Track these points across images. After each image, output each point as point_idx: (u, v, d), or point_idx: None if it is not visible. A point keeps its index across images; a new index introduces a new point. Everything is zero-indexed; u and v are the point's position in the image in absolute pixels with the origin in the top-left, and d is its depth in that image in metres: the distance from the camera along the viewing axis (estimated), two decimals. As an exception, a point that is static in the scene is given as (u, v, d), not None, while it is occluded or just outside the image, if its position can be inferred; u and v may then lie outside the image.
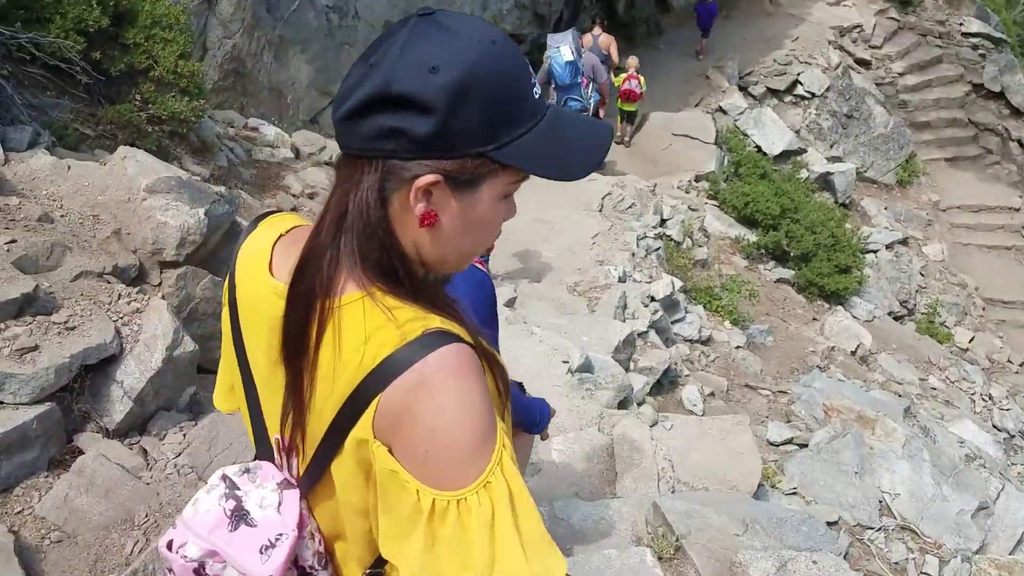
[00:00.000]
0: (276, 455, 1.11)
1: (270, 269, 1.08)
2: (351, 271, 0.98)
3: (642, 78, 10.54)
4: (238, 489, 1.09)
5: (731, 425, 3.49)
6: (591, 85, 9.03)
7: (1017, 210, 13.35)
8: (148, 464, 3.00)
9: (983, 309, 12.39)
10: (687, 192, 10.27)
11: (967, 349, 11.35)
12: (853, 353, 8.82)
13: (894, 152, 13.79)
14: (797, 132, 13.02)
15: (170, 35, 5.76)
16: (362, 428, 0.95)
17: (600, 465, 3.19)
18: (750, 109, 12.79)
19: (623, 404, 4.20)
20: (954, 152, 14.26)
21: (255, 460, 1.15)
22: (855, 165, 13.04)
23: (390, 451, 0.94)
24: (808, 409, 6.41)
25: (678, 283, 7.58)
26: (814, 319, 9.20)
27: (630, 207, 8.50)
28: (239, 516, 1.07)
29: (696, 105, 12.86)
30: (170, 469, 3.01)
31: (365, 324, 0.97)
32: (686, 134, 10.85)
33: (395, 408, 0.93)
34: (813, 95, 13.55)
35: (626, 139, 11.37)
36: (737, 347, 7.83)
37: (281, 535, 1.06)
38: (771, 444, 6.25)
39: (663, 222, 8.71)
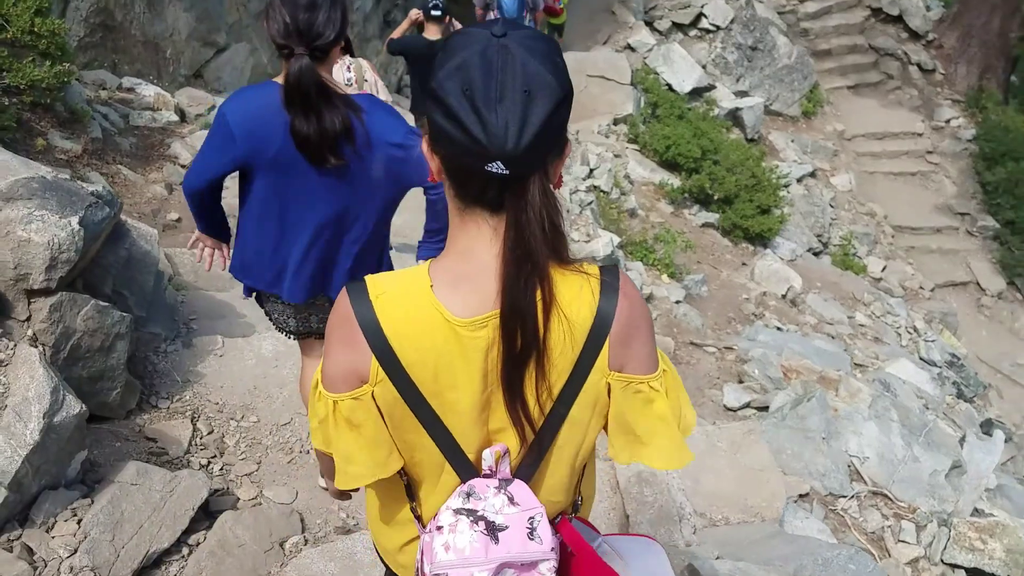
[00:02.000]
0: (491, 467, 1.24)
1: (447, 315, 1.17)
2: (551, 263, 1.15)
3: None
4: (476, 511, 1.22)
5: (741, 436, 2.99)
6: (528, 15, 8.62)
7: (920, 135, 13.39)
8: (35, 569, 2.25)
9: (892, 237, 12.45)
10: (607, 137, 9.71)
11: (880, 279, 11.38)
12: (783, 296, 8.57)
13: (798, 83, 13.56)
14: (703, 67, 12.59)
15: (24, -12, 4.73)
16: (599, 369, 1.21)
17: (604, 503, 2.64)
18: (658, 46, 12.26)
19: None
20: (856, 79, 14.16)
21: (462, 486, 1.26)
22: (762, 99, 12.75)
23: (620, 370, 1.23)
24: (762, 369, 6.05)
25: (616, 239, 7.06)
26: (743, 264, 8.89)
27: (555, 158, 7.87)
28: (493, 529, 1.20)
29: (604, 43, 12.24)
30: (65, 573, 2.27)
31: (575, 289, 1.18)
32: (601, 75, 10.23)
33: (623, 337, 1.21)
34: (718, 28, 13.11)
35: None
36: (677, 302, 7.41)
37: (531, 517, 1.22)
38: (728, 409, 5.87)
39: (591, 172, 8.14)
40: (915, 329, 9.55)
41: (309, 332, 2.59)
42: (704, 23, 13.10)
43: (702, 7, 13.11)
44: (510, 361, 1.16)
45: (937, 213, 12.72)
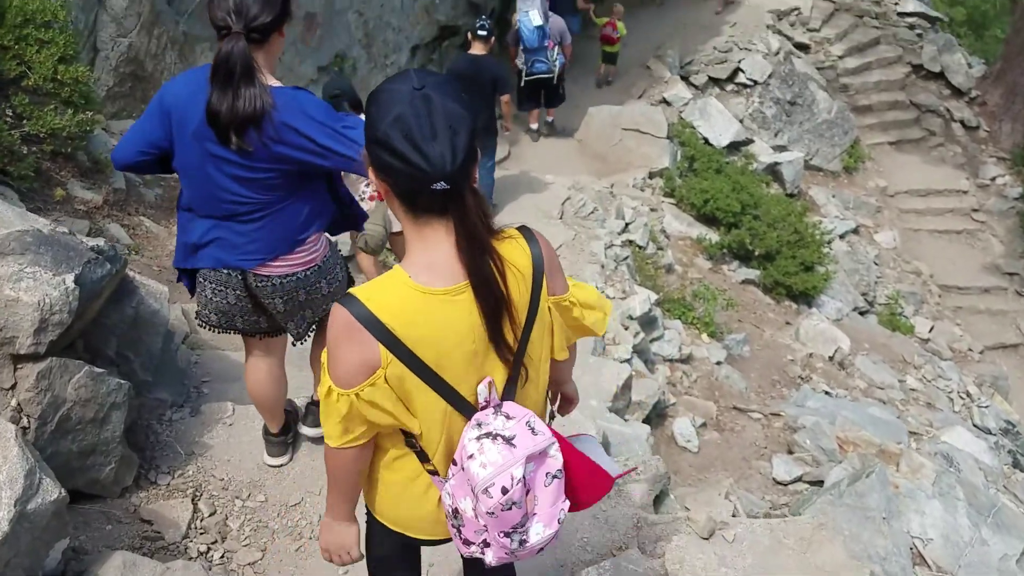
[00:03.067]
0: (486, 398, 1.59)
1: (431, 290, 1.51)
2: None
3: (620, 24, 11.35)
4: (491, 431, 1.55)
5: (811, 531, 2.60)
6: (556, 48, 9.03)
7: (965, 192, 12.94)
8: None
9: (939, 296, 11.93)
10: (643, 191, 9.42)
11: (928, 340, 10.86)
12: (831, 358, 8.12)
13: (839, 138, 13.23)
14: (741, 121, 12.30)
15: (47, 35, 4.60)
16: (543, 298, 1.62)
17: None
18: (694, 99, 12.02)
19: (658, 498, 3.27)
20: (897, 135, 13.78)
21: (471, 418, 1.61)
22: (802, 154, 12.41)
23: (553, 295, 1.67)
24: (814, 439, 5.61)
25: (653, 296, 6.71)
26: (787, 323, 8.47)
27: (592, 212, 7.58)
28: (507, 440, 1.53)
29: (639, 97, 12.02)
30: None
31: (512, 250, 1.57)
32: (636, 128, 9.98)
33: (549, 271, 1.64)
34: (755, 83, 12.85)
35: (609, 79, 12.18)
36: (718, 363, 7.01)
37: (527, 421, 1.58)
38: (778, 483, 5.44)
39: (626, 226, 7.83)
40: (968, 394, 9.01)
41: (257, 331, 2.63)
42: (741, 78, 12.85)
43: (739, 62, 12.88)
44: (489, 316, 1.52)
45: (985, 273, 12.19)
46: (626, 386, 4.73)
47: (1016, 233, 12.47)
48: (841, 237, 11.35)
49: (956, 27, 16.29)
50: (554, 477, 1.58)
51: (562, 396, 2.04)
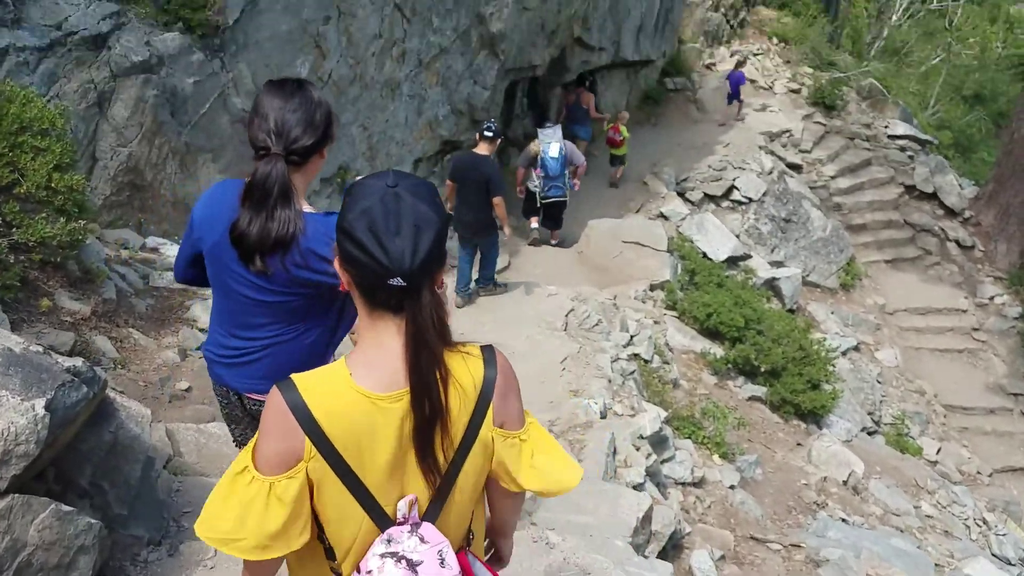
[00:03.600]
0: (404, 514, 1.49)
1: (367, 393, 1.44)
2: (442, 349, 1.46)
3: (623, 127, 12.17)
4: (397, 552, 1.46)
5: None
6: (567, 171, 9.67)
7: (964, 311, 12.81)
8: None
9: (944, 417, 11.61)
10: (644, 303, 9.21)
11: (936, 462, 10.47)
12: (845, 483, 7.72)
13: (834, 255, 13.20)
14: (737, 237, 12.28)
15: (44, 143, 4.44)
16: (486, 426, 1.52)
17: None
18: (691, 215, 12.02)
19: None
20: (893, 254, 13.78)
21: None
22: (799, 270, 12.33)
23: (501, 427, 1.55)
24: (841, 574, 5.17)
25: (662, 414, 6.38)
26: (798, 444, 8.10)
27: (596, 324, 7.33)
28: (411, 565, 1.45)
29: (637, 211, 12.03)
30: None
31: (463, 366, 1.49)
32: (636, 241, 9.88)
33: (501, 399, 1.53)
34: (750, 200, 12.92)
35: (616, 179, 12.68)
36: (731, 486, 6.61)
37: (440, 550, 1.48)
38: (806, 625, 4.97)
39: (631, 339, 7.57)
40: (984, 521, 8.57)
41: None
42: (736, 195, 12.93)
43: (734, 180, 12.99)
44: (421, 426, 1.44)
45: (989, 393, 11.92)
46: (647, 518, 4.34)
47: (1018, 353, 12.27)
48: (843, 354, 11.12)
49: (943, 150, 16.59)
50: None
51: (495, 551, 1.88)
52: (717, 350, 8.71)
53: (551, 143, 9.38)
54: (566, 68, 13.01)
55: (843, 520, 6.99)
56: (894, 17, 20.36)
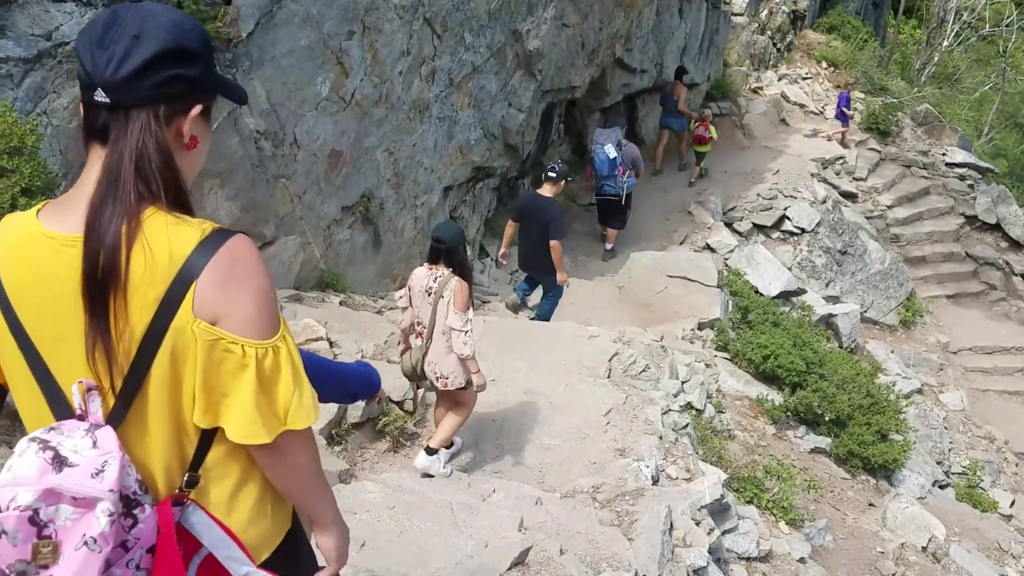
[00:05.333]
0: (80, 405, 1.22)
1: (47, 232, 1.23)
2: (144, 197, 1.21)
3: (712, 127, 12.45)
4: (50, 442, 1.17)
5: None
6: (627, 172, 10.05)
7: (1035, 352, 11.75)
8: None
9: (1016, 465, 10.53)
10: (692, 343, 8.36)
11: (1011, 516, 9.41)
12: (924, 549, 6.76)
13: (894, 290, 12.23)
14: (789, 270, 11.39)
15: (12, 163, 3.81)
16: (183, 314, 1.20)
17: None
18: (740, 246, 11.17)
19: None
20: (955, 288, 12.77)
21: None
22: (857, 306, 11.38)
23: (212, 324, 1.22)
24: None
25: (722, 476, 5.51)
26: (871, 504, 7.15)
27: (644, 370, 6.50)
28: (60, 461, 1.15)
29: (681, 243, 11.21)
30: None
31: (167, 230, 1.21)
32: (683, 276, 9.05)
33: (217, 284, 1.20)
34: (803, 230, 12.05)
35: (694, 178, 12.75)
36: (801, 559, 5.71)
37: (106, 460, 1.18)
38: None
39: (682, 386, 6.73)
40: (1082, 593, 7.52)
41: None
42: (788, 225, 12.07)
43: (785, 209, 12.14)
44: (90, 285, 1.19)
45: (1067, 441, 10.82)
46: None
47: (1097, 398, 11.17)
48: (906, 397, 10.14)
49: (999, 179, 15.57)
50: (90, 546, 1.15)
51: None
52: (775, 396, 7.81)
53: (604, 144, 9.90)
54: (606, 91, 12.32)
55: (928, 598, 6.06)
56: (945, 42, 19.41)
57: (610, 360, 6.49)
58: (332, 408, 4.57)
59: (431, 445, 4.80)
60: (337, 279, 6.93)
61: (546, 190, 7.14)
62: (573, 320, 7.68)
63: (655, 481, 5.14)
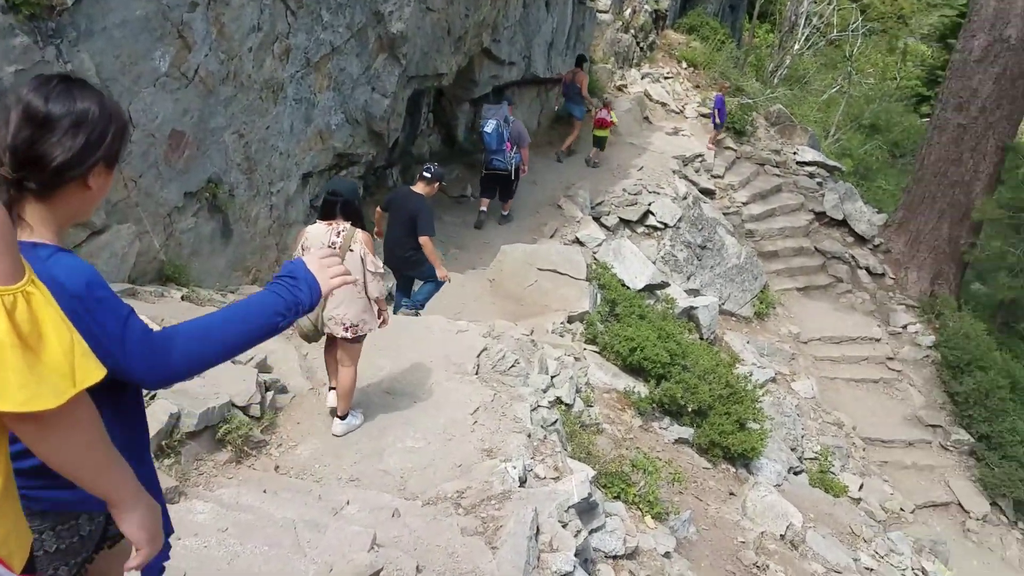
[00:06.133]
0: None
1: None
2: None
3: (613, 113, 13.20)
4: None
5: None
6: (514, 148, 10.58)
7: (878, 340, 12.39)
8: None
9: (863, 450, 11.06)
10: (562, 336, 8.23)
11: (860, 499, 9.86)
12: (782, 537, 6.89)
13: (749, 283, 12.60)
14: (653, 263, 11.51)
15: None
16: None
17: None
18: (608, 240, 11.18)
19: None
20: (805, 281, 13.31)
21: None
22: (716, 298, 11.64)
23: None
24: (811, 674, 4.23)
25: (590, 472, 5.34)
26: (731, 494, 7.22)
27: (513, 366, 6.26)
28: None
29: (551, 236, 11.10)
30: None
31: None
32: (553, 269, 8.91)
33: None
34: (666, 225, 12.21)
35: (595, 160, 13.13)
36: (666, 554, 5.63)
37: None
38: None
39: (552, 381, 6.54)
40: (924, 571, 7.91)
41: None
42: (652, 220, 12.20)
43: (649, 205, 12.26)
44: None
45: (907, 425, 11.48)
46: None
47: (934, 383, 11.91)
48: (761, 387, 10.44)
49: (846, 177, 16.42)
50: None
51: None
52: (641, 388, 7.78)
53: (489, 119, 10.35)
54: (474, 82, 12.04)
55: (787, 585, 6.14)
56: (796, 46, 20.33)
57: (479, 356, 6.23)
58: (161, 416, 4.05)
59: (339, 414, 5.09)
60: (180, 272, 6.32)
61: (419, 188, 6.99)
62: (443, 314, 7.37)
63: (523, 482, 4.90)
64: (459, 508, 4.57)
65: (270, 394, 5.37)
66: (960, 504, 10.61)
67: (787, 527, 6.89)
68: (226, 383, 5.02)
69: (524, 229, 11.15)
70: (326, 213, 4.75)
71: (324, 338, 5.11)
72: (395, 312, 7.26)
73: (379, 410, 5.51)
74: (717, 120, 14.44)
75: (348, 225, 4.70)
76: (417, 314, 7.33)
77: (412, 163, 11.21)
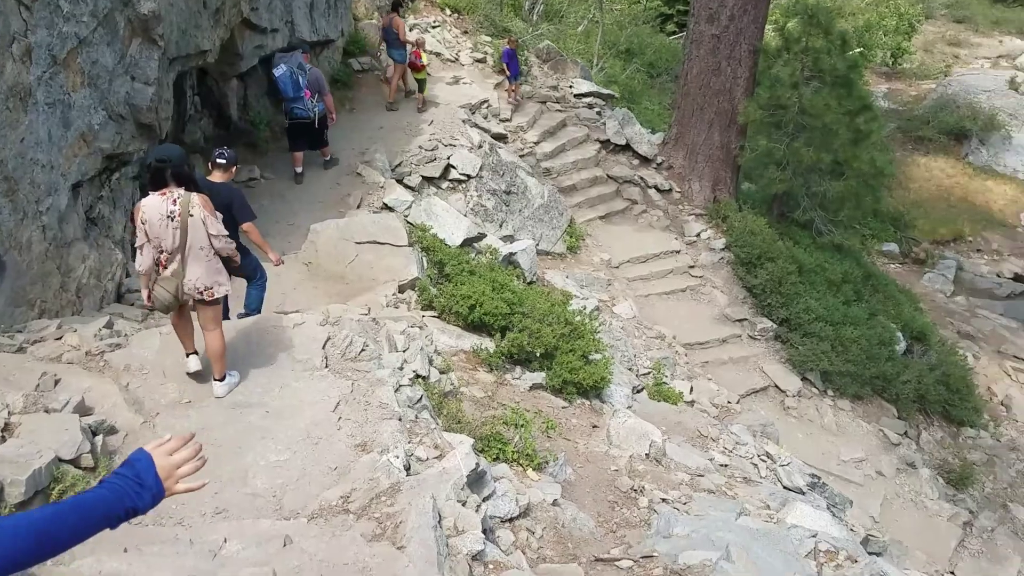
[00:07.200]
0: None
1: None
2: None
3: (423, 53, 12.96)
4: None
5: None
6: (315, 96, 10.28)
7: (679, 252, 13.07)
8: None
9: (686, 356, 11.70)
10: (397, 307, 7.88)
11: (693, 402, 10.45)
12: (648, 456, 7.09)
13: (556, 220, 12.80)
14: (465, 217, 11.36)
15: None
16: None
17: None
18: (417, 201, 10.85)
19: None
20: (605, 209, 13.73)
21: None
22: (532, 241, 11.71)
23: None
24: (725, 585, 4.34)
25: (468, 442, 5.14)
26: (594, 427, 7.32)
27: (363, 350, 5.87)
28: None
29: (358, 207, 10.59)
30: None
31: None
32: (372, 240, 8.47)
33: None
34: (469, 177, 12.05)
35: (419, 105, 13.03)
36: (554, 502, 5.59)
37: None
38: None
39: (404, 359, 6.21)
40: (768, 456, 8.51)
41: None
42: (454, 174, 11.98)
43: (448, 158, 12.02)
44: None
45: (718, 324, 12.27)
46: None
47: (733, 281, 12.77)
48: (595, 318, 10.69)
49: (619, 103, 17.02)
50: None
51: None
52: (488, 344, 7.65)
53: (282, 64, 10.17)
54: (239, 55, 11.07)
55: (663, 501, 6.32)
56: (549, -17, 20.64)
57: (324, 347, 5.77)
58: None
59: (217, 376, 5.13)
60: (-52, 322, 5.29)
61: (218, 176, 6.34)
62: (264, 310, 6.78)
63: (408, 470, 4.60)
64: (350, 514, 4.20)
65: (99, 438, 4.67)
66: (776, 385, 11.55)
67: (650, 445, 7.09)
68: (46, 437, 4.29)
69: (328, 204, 10.54)
70: (156, 182, 4.64)
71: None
72: (226, 318, 6.56)
73: (229, 428, 4.96)
74: (508, 73, 14.35)
75: (182, 191, 4.63)
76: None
77: (187, 152, 10.20)
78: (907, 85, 31.16)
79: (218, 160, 6.40)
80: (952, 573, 10.06)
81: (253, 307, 6.71)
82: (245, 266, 6.50)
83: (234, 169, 6.48)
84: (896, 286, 15.94)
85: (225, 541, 3.94)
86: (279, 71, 10.12)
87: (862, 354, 11.93)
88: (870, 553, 6.83)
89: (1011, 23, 35.39)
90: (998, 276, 21.54)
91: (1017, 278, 21.40)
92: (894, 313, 13.93)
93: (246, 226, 6.21)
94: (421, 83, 13.10)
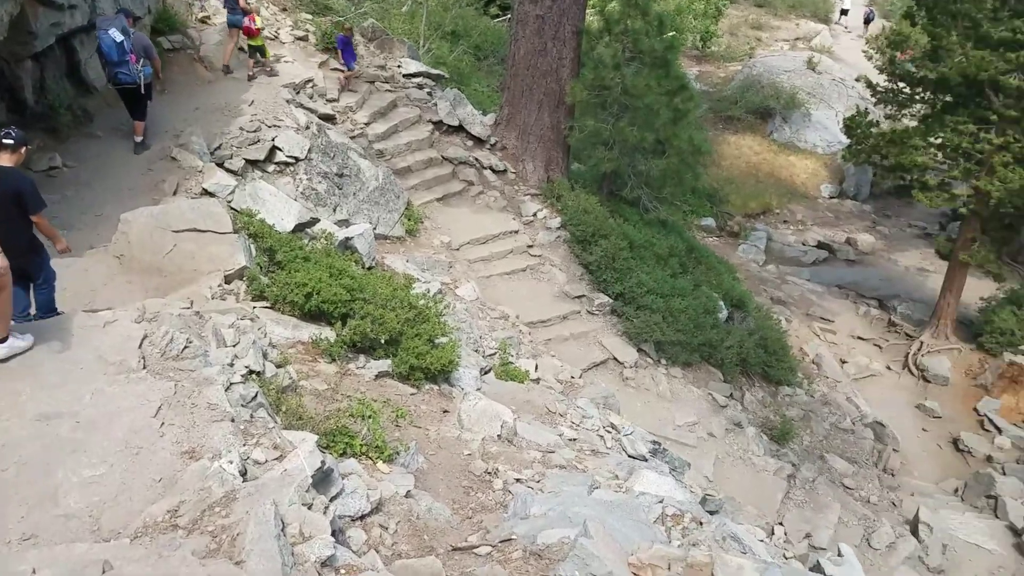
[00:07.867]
0: None
1: None
2: None
3: (258, 17, 12.72)
4: None
5: None
6: (141, 61, 9.86)
7: (517, 232, 13.04)
8: None
9: (530, 334, 11.71)
10: (224, 299, 7.25)
11: (539, 379, 10.46)
12: (500, 437, 6.94)
13: (393, 203, 12.38)
14: (295, 201, 10.72)
15: None
16: None
17: None
18: (240, 186, 10.09)
19: None
20: (442, 191, 13.45)
21: None
22: (369, 225, 11.24)
23: None
24: (584, 570, 4.21)
25: (312, 439, 4.73)
26: (444, 411, 7.07)
27: (186, 347, 5.28)
28: None
29: (174, 193, 9.70)
30: None
31: None
32: (192, 228, 7.71)
33: None
34: (297, 159, 11.40)
35: (253, 71, 12.69)
36: (407, 493, 5.30)
37: None
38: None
39: (235, 354, 5.67)
40: (613, 427, 8.62)
41: None
42: (280, 156, 11.28)
43: (273, 140, 11.29)
44: None
45: (558, 301, 12.36)
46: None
47: (570, 259, 12.91)
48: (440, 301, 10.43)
49: (448, 83, 16.76)
50: None
51: None
52: (328, 333, 7.20)
53: (108, 29, 9.64)
54: (32, 34, 9.86)
55: (517, 480, 6.19)
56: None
57: (140, 346, 5.15)
58: None
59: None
60: None
61: (4, 160, 5.50)
62: (74, 309, 5.99)
63: (244, 475, 4.16)
64: (179, 530, 3.72)
65: None
66: (615, 358, 11.80)
67: (501, 425, 6.95)
68: None
69: (139, 191, 9.58)
70: None
71: None
72: (29, 319, 5.72)
73: (34, 444, 4.30)
74: (342, 60, 13.76)
75: None
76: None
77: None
78: (715, 67, 33.03)
79: (4, 140, 5.54)
80: (780, 524, 10.71)
81: (44, 309, 5.90)
82: (33, 266, 5.70)
83: (23, 150, 5.62)
84: (716, 258, 16.78)
85: (34, 572, 3.37)
86: (102, 34, 9.62)
87: (690, 323, 12.43)
88: (708, 512, 7.05)
89: (806, 6, 38.38)
90: (803, 245, 23.33)
91: (820, 245, 23.26)
92: (716, 283, 14.64)
93: (37, 219, 5.43)
94: (261, 49, 12.84)
